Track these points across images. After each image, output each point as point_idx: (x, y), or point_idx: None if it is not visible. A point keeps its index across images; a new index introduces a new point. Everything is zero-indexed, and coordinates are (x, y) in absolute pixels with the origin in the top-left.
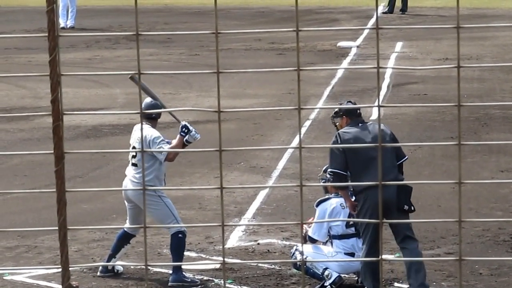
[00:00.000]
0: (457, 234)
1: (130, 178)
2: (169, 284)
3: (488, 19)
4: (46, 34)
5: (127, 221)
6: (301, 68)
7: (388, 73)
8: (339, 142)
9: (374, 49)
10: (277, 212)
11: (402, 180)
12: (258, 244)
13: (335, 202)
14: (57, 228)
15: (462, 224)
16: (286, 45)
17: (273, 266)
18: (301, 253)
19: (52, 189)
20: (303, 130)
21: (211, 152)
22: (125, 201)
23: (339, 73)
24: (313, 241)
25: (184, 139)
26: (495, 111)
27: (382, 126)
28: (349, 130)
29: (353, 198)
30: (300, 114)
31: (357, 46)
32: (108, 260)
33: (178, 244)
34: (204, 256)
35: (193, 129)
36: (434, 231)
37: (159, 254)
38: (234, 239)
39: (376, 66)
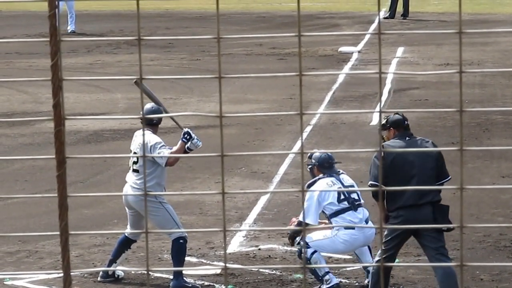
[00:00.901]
0: (458, 240)
1: (131, 184)
2: None
3: (489, 24)
4: (48, 39)
5: (128, 226)
6: (302, 73)
7: (389, 78)
8: (382, 155)
9: (375, 54)
10: (278, 218)
11: (439, 201)
12: (259, 249)
13: (323, 182)
14: (58, 233)
15: (463, 230)
16: (287, 50)
17: (274, 272)
18: (302, 247)
19: (53, 194)
20: (304, 135)
21: (212, 157)
22: (126, 208)
23: (340, 78)
24: (300, 228)
25: (186, 146)
26: (496, 117)
27: (430, 144)
28: (394, 144)
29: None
30: (300, 119)
31: (358, 51)
32: (109, 265)
33: (179, 250)
34: (204, 261)
35: (195, 136)
36: None
37: (159, 259)
38: (235, 245)
39: (378, 71)
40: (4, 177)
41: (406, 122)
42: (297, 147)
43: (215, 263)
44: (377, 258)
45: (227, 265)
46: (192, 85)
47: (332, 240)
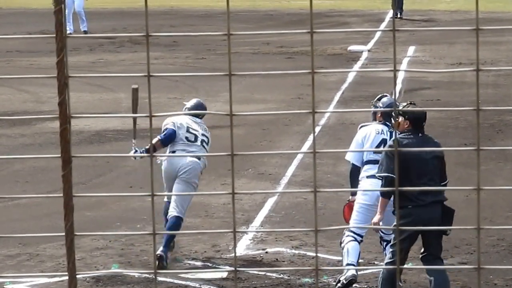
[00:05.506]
0: (471, 243)
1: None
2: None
3: (503, 23)
4: (52, 35)
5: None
6: (315, 71)
7: (400, 78)
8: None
9: (385, 53)
10: (285, 220)
11: (445, 201)
12: (266, 252)
13: (374, 127)
14: (61, 234)
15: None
16: (295, 49)
17: (281, 276)
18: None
19: (54, 195)
20: (313, 136)
21: (218, 158)
22: (167, 179)
23: (350, 78)
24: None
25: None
26: (510, 118)
27: (439, 145)
28: (409, 140)
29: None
30: (312, 118)
31: (368, 50)
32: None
33: (175, 225)
34: (210, 265)
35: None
36: (448, 241)
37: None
38: (242, 248)
39: (392, 69)
40: (4, 178)
41: (424, 122)
42: (305, 147)
43: (221, 266)
44: (387, 261)
45: (234, 268)
46: (197, 85)
47: (356, 205)
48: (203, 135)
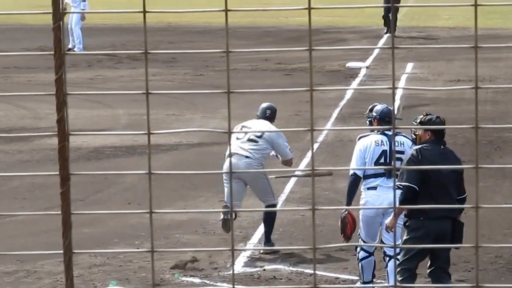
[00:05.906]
0: (469, 261)
1: (245, 153)
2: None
3: (501, 39)
4: (49, 52)
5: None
6: (313, 88)
7: (398, 95)
8: (419, 158)
9: (383, 69)
10: (283, 237)
11: (460, 218)
12: (264, 270)
13: (372, 138)
14: (59, 252)
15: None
16: (293, 66)
17: None
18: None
19: (54, 212)
20: (311, 153)
21: (216, 175)
22: (227, 178)
23: (348, 94)
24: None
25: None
26: (508, 135)
27: (458, 158)
28: (430, 151)
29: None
30: (311, 135)
31: (367, 67)
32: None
33: (271, 214)
34: (208, 282)
35: None
36: None
37: (162, 279)
38: (239, 265)
39: (390, 86)
40: (2, 194)
41: (444, 131)
42: (303, 165)
43: (218, 284)
44: (396, 277)
45: (231, 285)
46: (195, 101)
47: (360, 215)
48: (254, 131)
